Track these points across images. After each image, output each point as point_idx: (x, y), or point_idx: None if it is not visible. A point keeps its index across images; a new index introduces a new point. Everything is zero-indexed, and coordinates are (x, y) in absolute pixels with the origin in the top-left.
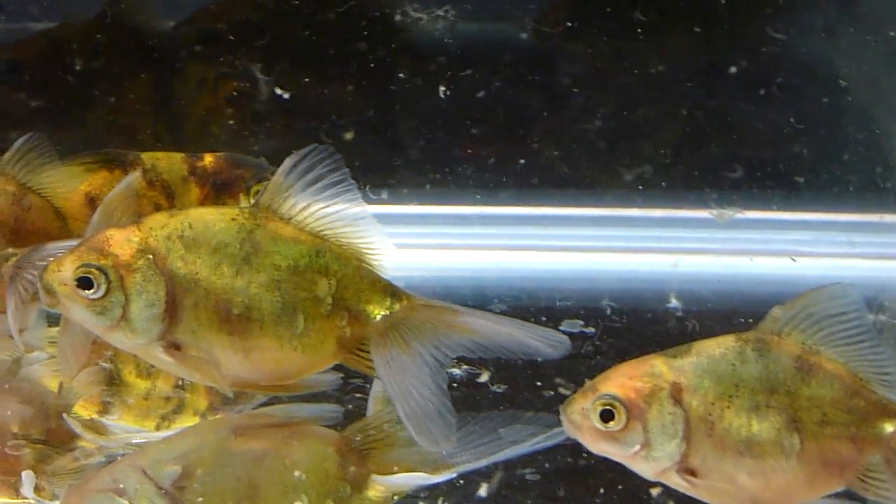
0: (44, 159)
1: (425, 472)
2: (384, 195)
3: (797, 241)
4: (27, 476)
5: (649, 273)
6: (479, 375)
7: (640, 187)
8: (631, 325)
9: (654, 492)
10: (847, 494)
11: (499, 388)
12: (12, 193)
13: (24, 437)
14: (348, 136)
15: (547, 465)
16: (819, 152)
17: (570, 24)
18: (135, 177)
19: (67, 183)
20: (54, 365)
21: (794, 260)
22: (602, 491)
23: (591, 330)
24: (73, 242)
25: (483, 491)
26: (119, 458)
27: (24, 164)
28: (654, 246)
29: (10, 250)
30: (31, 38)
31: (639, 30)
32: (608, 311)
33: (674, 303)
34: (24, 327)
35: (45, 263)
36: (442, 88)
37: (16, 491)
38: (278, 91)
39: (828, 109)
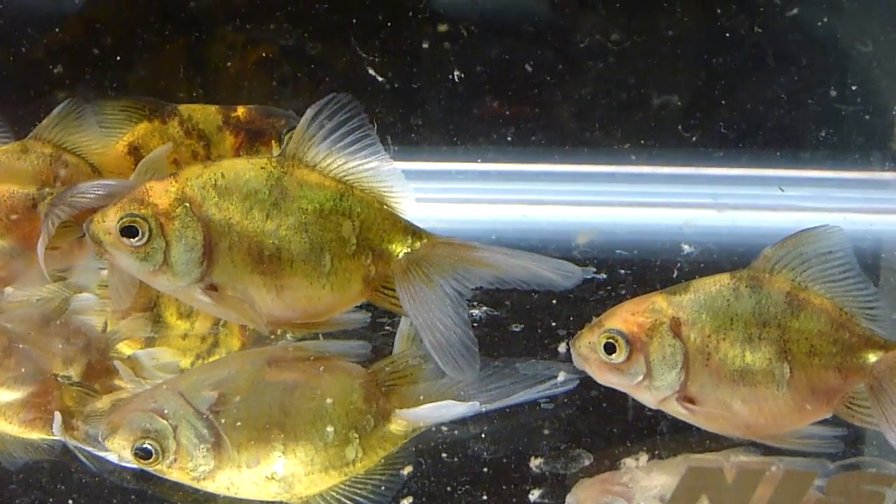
0: (80, 122)
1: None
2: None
3: (801, 198)
4: (57, 416)
5: (660, 227)
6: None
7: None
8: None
9: None
10: (834, 421)
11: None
12: (49, 154)
13: (65, 378)
14: None
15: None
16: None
17: None
18: (165, 148)
19: (101, 141)
20: (100, 305)
21: (782, 190)
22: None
23: (603, 276)
24: (105, 181)
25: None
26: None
27: (61, 129)
28: (665, 201)
29: (47, 189)
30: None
31: None
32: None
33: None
34: (65, 268)
35: (75, 199)
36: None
37: (51, 429)
38: (371, 72)
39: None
